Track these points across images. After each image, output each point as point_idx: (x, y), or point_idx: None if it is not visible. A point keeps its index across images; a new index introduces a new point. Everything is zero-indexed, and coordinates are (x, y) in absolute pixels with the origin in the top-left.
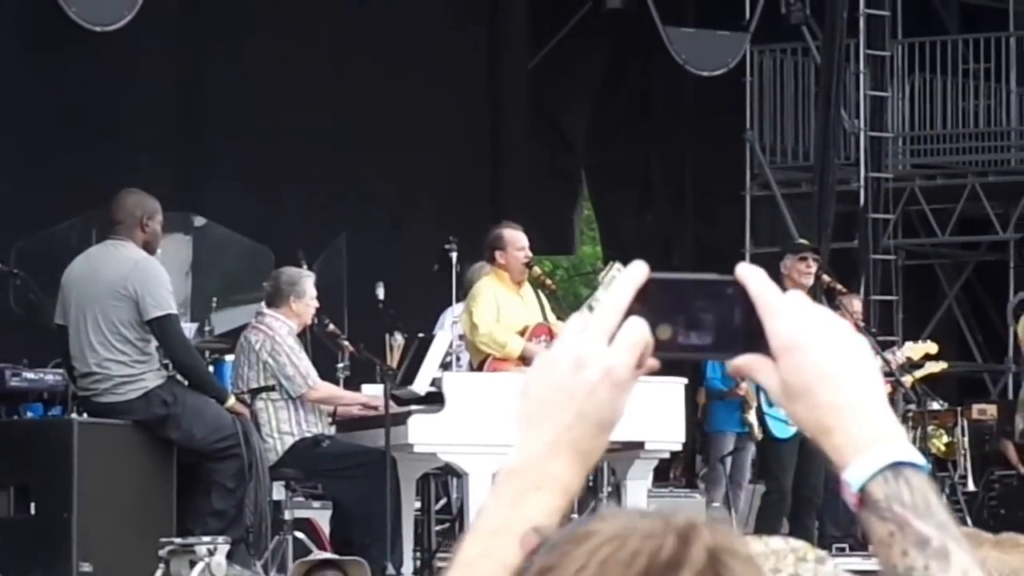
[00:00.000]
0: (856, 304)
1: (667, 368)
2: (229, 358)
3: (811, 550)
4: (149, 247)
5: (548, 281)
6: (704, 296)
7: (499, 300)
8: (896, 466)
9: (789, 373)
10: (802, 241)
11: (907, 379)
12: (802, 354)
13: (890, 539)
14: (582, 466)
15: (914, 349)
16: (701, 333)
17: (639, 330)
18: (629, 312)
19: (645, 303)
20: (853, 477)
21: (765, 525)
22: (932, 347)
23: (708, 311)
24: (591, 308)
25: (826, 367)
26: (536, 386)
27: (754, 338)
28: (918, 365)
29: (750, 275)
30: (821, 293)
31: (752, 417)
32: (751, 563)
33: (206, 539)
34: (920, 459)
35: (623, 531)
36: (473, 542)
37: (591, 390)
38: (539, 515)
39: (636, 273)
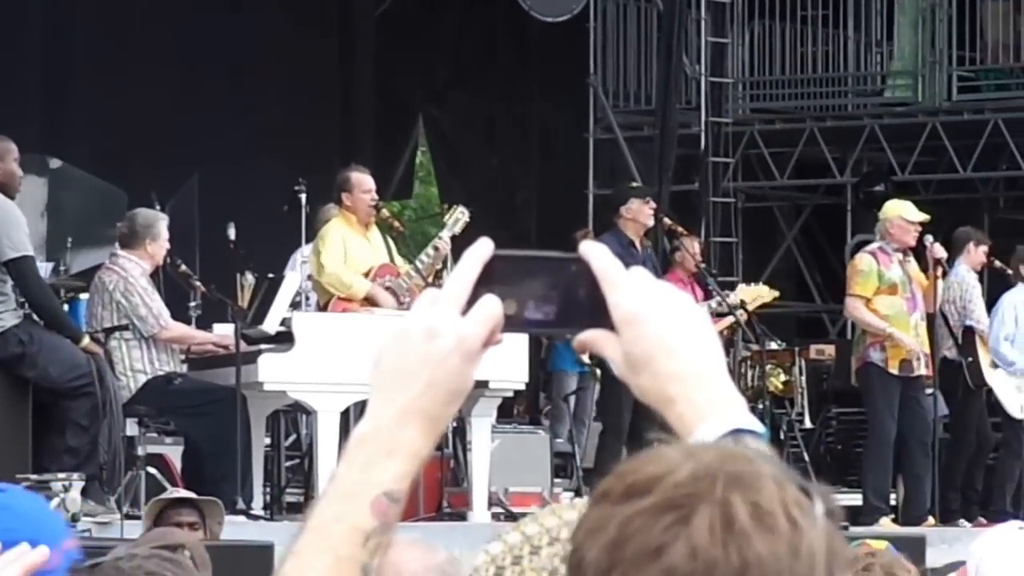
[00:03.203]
0: (696, 246)
1: None
2: (84, 297)
3: None
4: (5, 188)
5: (396, 223)
6: (548, 272)
7: (346, 241)
8: (736, 433)
9: (631, 344)
10: (636, 184)
11: (743, 315)
12: (643, 326)
13: None
14: (432, 433)
15: (747, 292)
16: (546, 308)
17: (493, 306)
18: (476, 287)
19: (491, 279)
20: None
21: (603, 463)
22: (763, 289)
23: (552, 287)
24: (435, 248)
25: (666, 338)
26: (389, 355)
27: (598, 313)
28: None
29: (593, 252)
30: (663, 235)
31: (587, 357)
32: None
33: (61, 475)
34: (759, 427)
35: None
36: (326, 506)
37: (443, 359)
38: (390, 479)
39: (481, 250)
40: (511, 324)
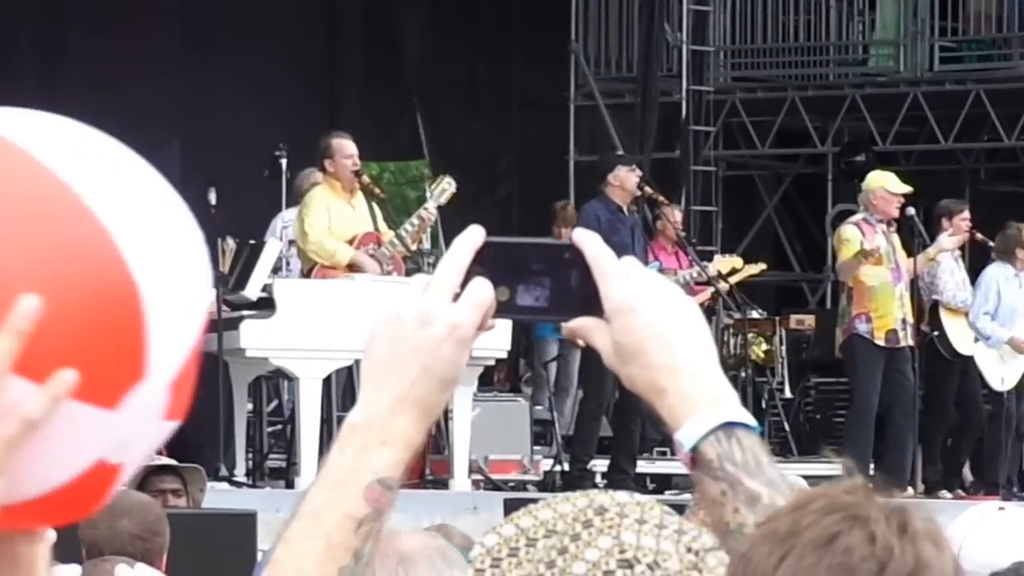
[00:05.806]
0: (676, 214)
1: None
2: None
3: (656, 505)
4: None
5: (377, 190)
6: (541, 259)
7: (330, 209)
8: (728, 426)
9: (622, 335)
10: (621, 152)
11: (724, 286)
12: (634, 316)
13: (722, 497)
14: (425, 421)
15: (721, 263)
16: (538, 295)
17: (484, 290)
18: (468, 273)
19: (483, 265)
20: (686, 437)
21: (582, 431)
22: (738, 261)
23: (545, 274)
24: (420, 218)
25: (658, 329)
26: (381, 342)
27: (589, 301)
28: (734, 272)
29: (586, 240)
30: (643, 203)
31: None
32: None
33: None
34: (751, 420)
35: None
36: (317, 493)
37: (436, 346)
38: (383, 468)
39: (473, 236)
40: (503, 310)
